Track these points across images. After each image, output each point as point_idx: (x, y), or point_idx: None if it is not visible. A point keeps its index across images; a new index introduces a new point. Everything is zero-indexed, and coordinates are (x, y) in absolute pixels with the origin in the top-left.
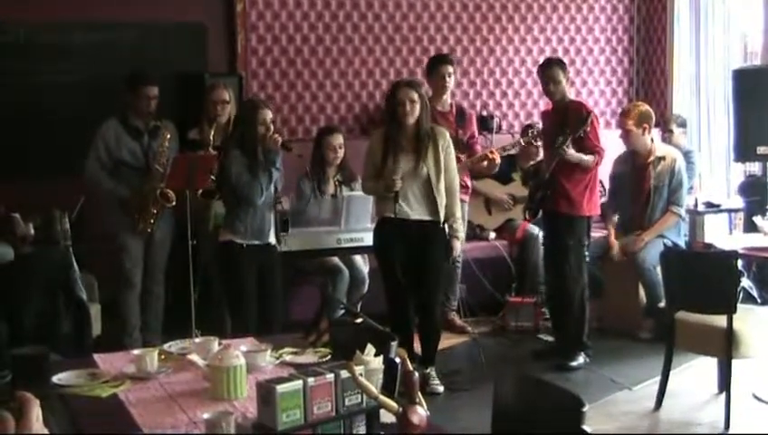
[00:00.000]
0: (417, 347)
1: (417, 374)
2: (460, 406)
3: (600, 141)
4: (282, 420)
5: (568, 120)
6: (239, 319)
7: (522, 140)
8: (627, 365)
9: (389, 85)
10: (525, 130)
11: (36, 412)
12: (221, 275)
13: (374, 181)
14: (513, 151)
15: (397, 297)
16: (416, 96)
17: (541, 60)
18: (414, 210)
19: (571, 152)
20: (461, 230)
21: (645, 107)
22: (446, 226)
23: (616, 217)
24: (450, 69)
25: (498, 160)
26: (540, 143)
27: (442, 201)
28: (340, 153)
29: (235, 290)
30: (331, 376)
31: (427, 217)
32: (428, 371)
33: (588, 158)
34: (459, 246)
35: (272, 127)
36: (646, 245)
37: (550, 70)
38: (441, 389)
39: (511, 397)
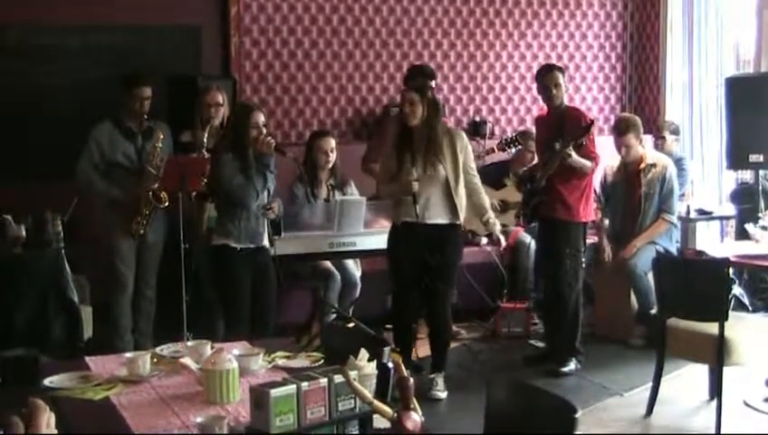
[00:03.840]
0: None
1: (411, 380)
2: (453, 411)
3: (596, 148)
4: (275, 425)
5: (564, 126)
6: (233, 322)
7: (495, 147)
8: (618, 372)
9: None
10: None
11: (46, 418)
12: (215, 278)
13: (389, 184)
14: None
15: (404, 302)
16: (416, 98)
17: (534, 66)
18: (432, 214)
19: (575, 157)
20: (497, 223)
21: (635, 118)
22: (464, 226)
23: (606, 222)
24: (431, 84)
25: None
26: (514, 150)
27: (461, 203)
28: (332, 157)
29: (229, 293)
30: (324, 381)
31: (444, 221)
32: (433, 376)
33: (588, 163)
34: (502, 236)
35: (264, 130)
36: (637, 251)
37: (551, 74)
38: (443, 395)
39: (503, 403)
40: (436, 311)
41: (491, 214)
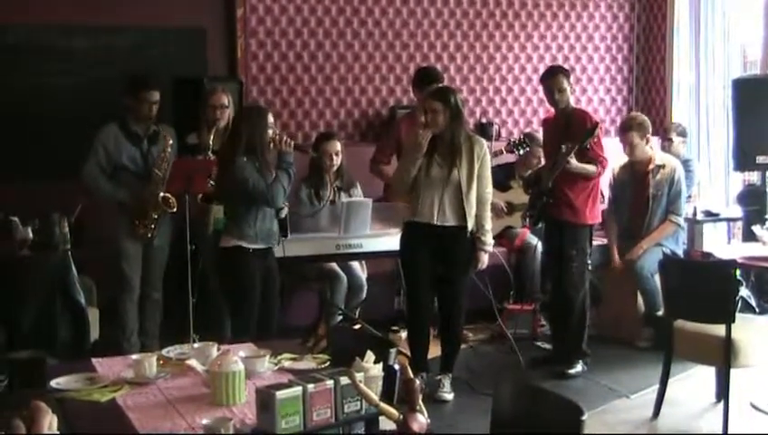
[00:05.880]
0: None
1: (418, 382)
2: (460, 413)
3: (603, 151)
4: (281, 427)
5: (571, 129)
6: (242, 323)
7: (503, 149)
8: (625, 373)
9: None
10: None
11: (48, 421)
12: (224, 279)
13: (398, 177)
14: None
15: (418, 302)
16: (438, 107)
17: (540, 67)
18: (442, 216)
19: (575, 163)
20: (489, 243)
21: (642, 117)
22: (473, 235)
23: (616, 228)
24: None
25: None
26: (522, 152)
27: (471, 210)
28: (337, 160)
29: (240, 295)
30: (330, 383)
31: (453, 223)
32: (440, 377)
33: (591, 168)
34: (486, 259)
35: (276, 130)
36: (644, 253)
37: (554, 78)
38: (450, 397)
39: (510, 405)
40: (450, 314)
41: (487, 234)
